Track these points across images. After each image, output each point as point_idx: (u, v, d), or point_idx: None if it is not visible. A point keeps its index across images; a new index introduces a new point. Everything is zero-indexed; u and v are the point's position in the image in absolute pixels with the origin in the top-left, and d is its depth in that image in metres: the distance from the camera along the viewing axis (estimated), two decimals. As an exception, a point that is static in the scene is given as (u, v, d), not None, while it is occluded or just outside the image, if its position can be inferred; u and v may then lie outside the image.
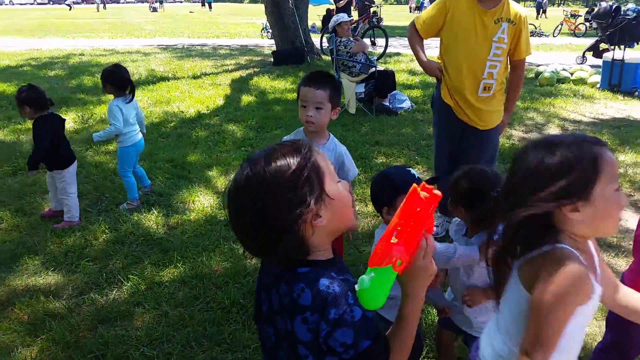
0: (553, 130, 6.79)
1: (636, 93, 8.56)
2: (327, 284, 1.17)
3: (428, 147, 5.88)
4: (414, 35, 3.68)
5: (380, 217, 2.21)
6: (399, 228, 1.14)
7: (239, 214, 1.20)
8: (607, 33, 9.69)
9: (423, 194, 1.13)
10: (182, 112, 7.77)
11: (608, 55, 9.09)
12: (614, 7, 9.80)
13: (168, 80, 10.24)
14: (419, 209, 1.13)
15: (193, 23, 29.17)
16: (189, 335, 2.82)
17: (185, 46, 17.00)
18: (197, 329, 2.87)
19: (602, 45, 10.78)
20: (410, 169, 2.06)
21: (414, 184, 1.15)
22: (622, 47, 9.12)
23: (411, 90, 9.10)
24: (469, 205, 2.00)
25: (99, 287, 3.29)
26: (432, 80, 10.20)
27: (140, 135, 4.46)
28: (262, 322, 1.34)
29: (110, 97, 4.31)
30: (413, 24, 3.68)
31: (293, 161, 1.16)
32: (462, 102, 3.57)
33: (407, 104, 7.88)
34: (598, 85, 9.30)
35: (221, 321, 2.93)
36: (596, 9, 10.69)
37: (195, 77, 10.72)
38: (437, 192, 1.14)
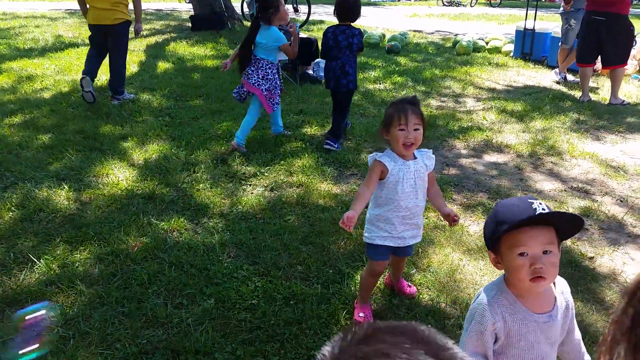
0: (468, 98, 7.00)
1: (546, 61, 8.99)
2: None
3: (351, 116, 5.88)
4: None
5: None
6: None
7: None
8: None
9: None
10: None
11: (520, 25, 9.42)
12: None
13: (77, 47, 9.60)
14: None
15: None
16: (107, 313, 2.70)
17: (96, 10, 15.97)
18: (116, 307, 2.75)
19: None
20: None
21: None
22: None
23: (334, 58, 9.03)
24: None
25: (6, 268, 3.07)
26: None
27: None
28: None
29: None
30: None
31: None
32: None
33: (329, 71, 7.83)
34: (511, 54, 9.67)
35: (141, 297, 2.82)
36: None
37: (107, 44, 10.11)
38: None
